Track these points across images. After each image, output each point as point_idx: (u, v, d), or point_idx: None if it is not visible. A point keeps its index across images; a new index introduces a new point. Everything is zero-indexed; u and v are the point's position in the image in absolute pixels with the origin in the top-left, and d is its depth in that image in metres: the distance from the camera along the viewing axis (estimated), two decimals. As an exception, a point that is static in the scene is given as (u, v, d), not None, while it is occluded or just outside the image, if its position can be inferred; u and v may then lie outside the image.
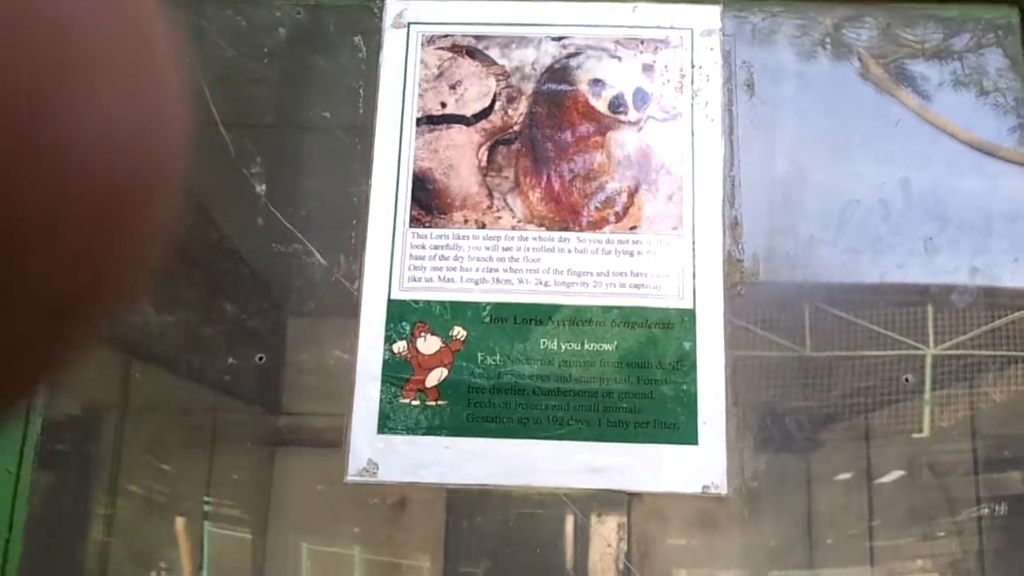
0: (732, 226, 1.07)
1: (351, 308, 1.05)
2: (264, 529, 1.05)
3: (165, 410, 1.09)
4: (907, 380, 1.05)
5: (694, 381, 1.01)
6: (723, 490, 0.99)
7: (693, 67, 1.13)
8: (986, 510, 1.01)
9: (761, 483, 1.00)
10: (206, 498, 1.05)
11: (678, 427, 1.00)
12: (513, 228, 1.07)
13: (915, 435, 1.04)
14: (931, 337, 1.07)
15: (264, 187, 1.11)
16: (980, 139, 1.13)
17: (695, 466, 0.99)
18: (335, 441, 1.00)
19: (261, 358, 1.06)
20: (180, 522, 1.03)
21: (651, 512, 1.01)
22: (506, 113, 1.12)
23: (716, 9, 1.15)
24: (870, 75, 1.14)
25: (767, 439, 1.02)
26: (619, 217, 1.08)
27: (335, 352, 1.06)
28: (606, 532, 1.01)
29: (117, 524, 1.04)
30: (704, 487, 0.99)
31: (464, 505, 1.02)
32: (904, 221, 1.09)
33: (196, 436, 1.08)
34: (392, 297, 1.05)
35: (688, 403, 1.01)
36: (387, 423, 1.01)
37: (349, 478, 1.00)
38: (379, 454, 1.00)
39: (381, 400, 1.02)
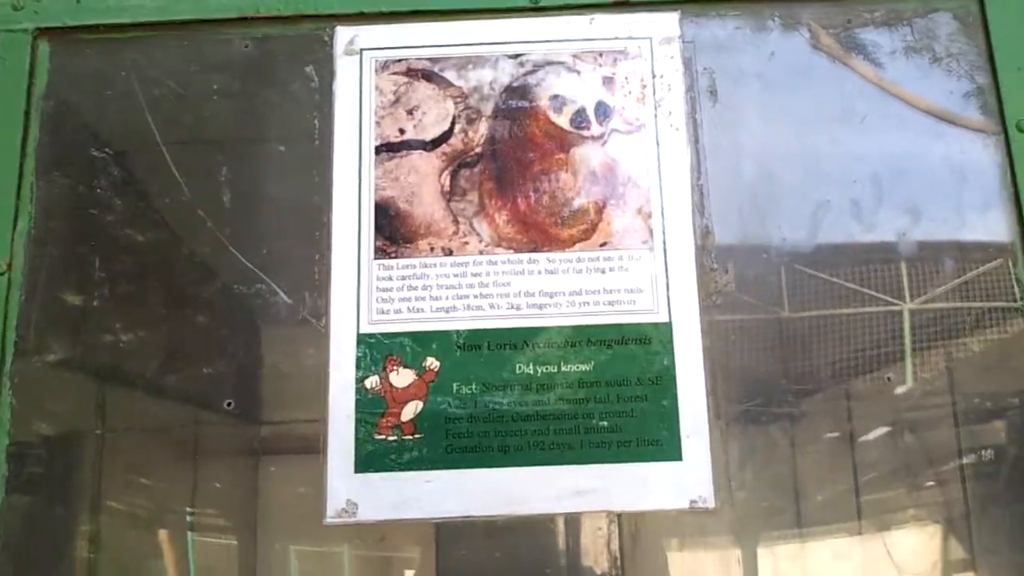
0: (703, 235, 1.16)
1: (320, 346, 1.12)
2: (253, 535, 1.12)
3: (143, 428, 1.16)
4: (889, 379, 1.14)
5: (675, 396, 1.09)
6: (711, 504, 1.06)
7: (654, 77, 1.22)
8: (972, 458, 1.10)
9: (749, 493, 1.08)
10: (190, 508, 1.12)
11: (661, 443, 1.08)
12: (481, 252, 1.15)
13: (898, 390, 1.14)
14: (907, 292, 1.17)
15: (222, 228, 1.19)
16: (937, 106, 1.23)
17: (681, 482, 1.07)
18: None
19: (230, 404, 1.13)
20: (165, 534, 1.10)
21: (640, 531, 1.09)
22: (466, 136, 1.20)
23: (674, 16, 1.24)
24: (821, 45, 1.23)
25: (752, 448, 1.10)
26: (588, 234, 1.16)
27: (305, 394, 1.12)
28: (596, 555, 1.08)
29: (103, 541, 1.10)
30: (692, 502, 1.06)
31: (450, 540, 1.09)
32: (876, 218, 1.18)
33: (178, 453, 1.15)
34: (361, 331, 1.12)
35: (670, 418, 1.09)
36: (364, 461, 1.08)
37: (328, 520, 1.06)
38: (358, 494, 1.07)
39: (356, 438, 1.09)
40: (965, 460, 1.12)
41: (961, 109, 1.23)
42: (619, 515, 1.09)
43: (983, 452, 1.12)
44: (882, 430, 1.14)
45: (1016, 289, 1.17)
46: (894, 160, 1.21)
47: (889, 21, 1.26)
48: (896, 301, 1.17)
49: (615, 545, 1.08)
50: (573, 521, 1.09)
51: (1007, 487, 1.13)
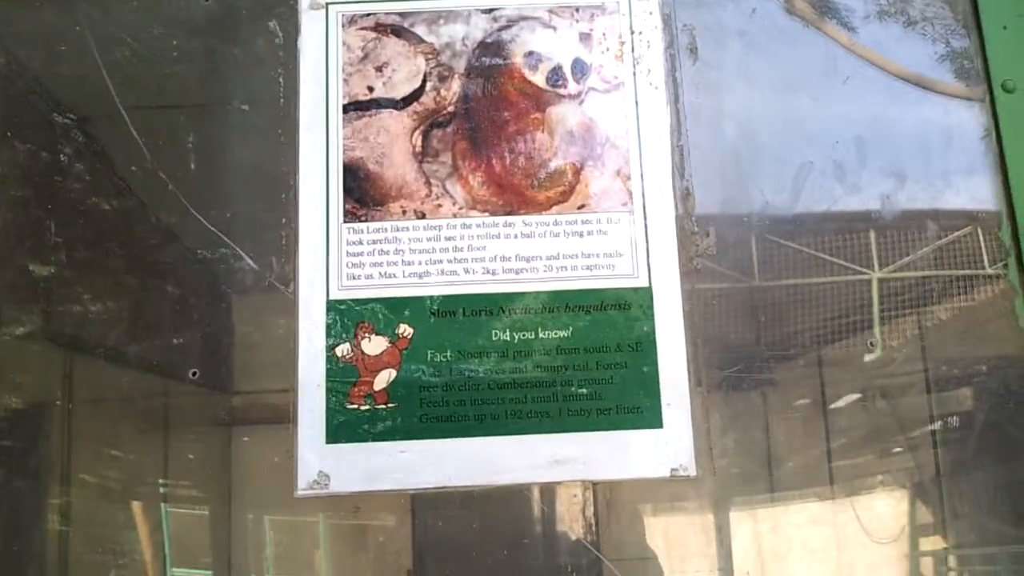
0: (684, 198, 1.14)
1: (288, 313, 1.10)
2: (227, 505, 1.10)
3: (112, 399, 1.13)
4: (871, 344, 1.14)
5: (655, 362, 1.08)
6: (692, 472, 1.06)
7: (632, 33, 1.20)
8: (939, 424, 1.11)
9: (731, 461, 1.08)
10: (162, 480, 1.09)
11: (642, 411, 1.07)
12: (455, 216, 1.13)
13: (868, 357, 1.14)
14: (875, 261, 1.17)
15: (184, 191, 1.15)
16: (910, 71, 1.22)
17: (662, 450, 1.06)
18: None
19: (195, 374, 1.10)
20: (137, 505, 1.08)
21: (616, 498, 1.08)
22: (438, 94, 1.17)
23: (653, -30, 1.22)
24: (796, 10, 1.22)
25: (733, 416, 1.09)
26: (566, 196, 1.14)
27: (274, 363, 1.10)
28: (571, 523, 1.07)
29: (75, 514, 1.08)
30: (673, 470, 1.06)
31: (426, 509, 1.07)
32: (860, 180, 1.18)
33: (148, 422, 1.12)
34: (331, 298, 1.10)
35: (650, 385, 1.08)
36: (336, 432, 1.06)
37: (299, 492, 1.05)
38: (329, 465, 1.05)
39: (327, 408, 1.07)
40: (939, 425, 1.13)
41: (936, 73, 1.23)
42: (595, 482, 1.08)
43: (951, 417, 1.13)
44: (856, 396, 1.14)
45: (984, 256, 1.17)
46: (873, 124, 1.20)
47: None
48: (865, 269, 1.17)
49: (590, 512, 1.07)
50: (549, 488, 1.08)
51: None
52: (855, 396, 1.14)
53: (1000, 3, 1.23)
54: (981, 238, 1.17)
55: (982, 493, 1.13)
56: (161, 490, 1.09)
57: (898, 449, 1.13)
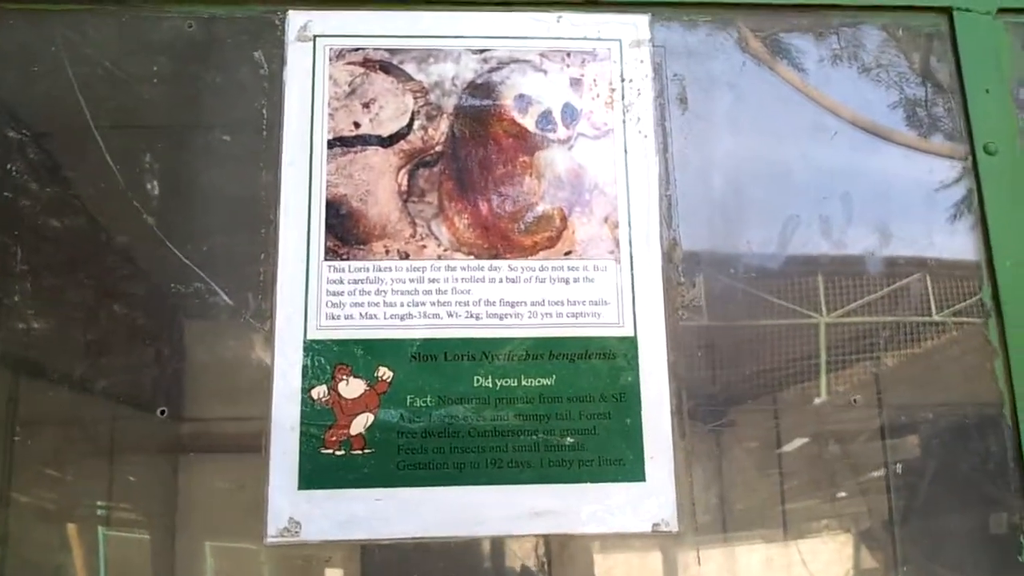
0: (671, 248, 1.14)
1: (263, 352, 1.07)
2: (171, 531, 1.07)
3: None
4: (855, 401, 1.15)
5: (638, 413, 1.08)
6: (674, 527, 1.05)
7: (623, 80, 1.20)
8: (883, 471, 1.12)
9: (713, 518, 1.07)
10: (100, 502, 1.06)
11: (624, 463, 1.06)
12: (439, 257, 1.12)
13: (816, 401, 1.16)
14: (823, 305, 1.18)
15: (158, 221, 1.13)
16: (865, 118, 1.25)
17: (644, 504, 1.05)
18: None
19: (163, 412, 1.07)
20: (74, 529, 1.04)
21: (597, 553, 1.07)
22: (426, 133, 1.17)
23: (645, 19, 1.23)
24: (749, 48, 1.24)
25: (717, 471, 1.09)
26: (552, 242, 1.13)
27: (247, 404, 1.07)
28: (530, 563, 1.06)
29: (11, 536, 1.04)
30: (654, 525, 1.05)
31: (395, 562, 1.05)
32: (846, 237, 1.19)
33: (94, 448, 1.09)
34: (309, 337, 1.08)
35: (633, 437, 1.07)
36: (309, 477, 1.04)
37: (269, 539, 1.02)
38: (301, 512, 1.03)
39: (301, 452, 1.04)
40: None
41: (913, 130, 1.26)
42: (572, 541, 1.06)
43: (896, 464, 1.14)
44: (841, 445, 1.15)
45: (932, 303, 1.19)
46: (865, 179, 1.22)
47: (856, 42, 1.27)
48: (812, 312, 1.18)
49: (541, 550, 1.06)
50: (527, 545, 1.06)
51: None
52: (844, 445, 1.14)
53: (983, 67, 1.27)
54: (928, 284, 1.19)
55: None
56: (98, 513, 1.05)
57: (846, 494, 1.14)
